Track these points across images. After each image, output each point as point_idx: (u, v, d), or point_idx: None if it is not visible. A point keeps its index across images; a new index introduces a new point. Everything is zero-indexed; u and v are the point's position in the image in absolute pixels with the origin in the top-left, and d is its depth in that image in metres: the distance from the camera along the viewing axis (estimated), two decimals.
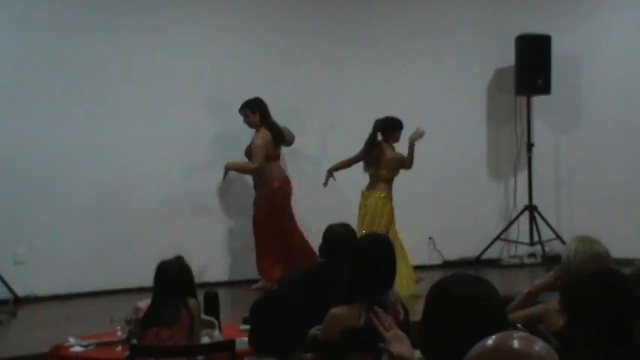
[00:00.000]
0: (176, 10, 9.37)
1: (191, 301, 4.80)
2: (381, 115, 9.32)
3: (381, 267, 4.25)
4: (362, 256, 4.26)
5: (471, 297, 2.56)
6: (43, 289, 8.65)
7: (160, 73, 9.14)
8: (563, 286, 3.51)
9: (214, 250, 9.27)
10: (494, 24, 10.39)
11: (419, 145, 8.54)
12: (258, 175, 8.67)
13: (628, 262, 3.94)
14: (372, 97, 9.92)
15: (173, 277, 4.85)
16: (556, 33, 10.08)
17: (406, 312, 4.37)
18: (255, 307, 3.60)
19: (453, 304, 2.56)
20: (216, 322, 5.16)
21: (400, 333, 2.91)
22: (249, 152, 8.68)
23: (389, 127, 8.54)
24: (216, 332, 5.10)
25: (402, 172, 8.84)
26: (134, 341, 4.82)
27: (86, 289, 8.76)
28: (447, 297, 2.60)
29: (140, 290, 7.66)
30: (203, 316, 5.13)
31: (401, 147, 8.56)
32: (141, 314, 4.95)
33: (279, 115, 8.93)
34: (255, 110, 8.65)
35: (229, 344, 4.48)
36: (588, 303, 2.92)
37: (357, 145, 8.59)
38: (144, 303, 5.02)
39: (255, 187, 8.76)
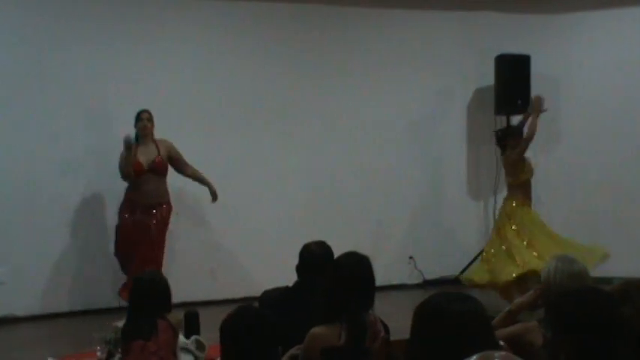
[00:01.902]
0: (153, 23, 9.35)
1: (173, 317, 4.78)
2: (362, 132, 9.42)
3: (360, 286, 4.24)
4: (341, 275, 4.24)
5: (461, 314, 2.55)
6: (21, 309, 8.58)
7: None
8: (548, 302, 3.52)
9: (194, 269, 9.23)
10: (474, 44, 10.46)
11: (394, 163, 8.57)
12: (164, 190, 8.32)
13: (606, 281, 3.96)
14: (351, 115, 9.95)
15: (149, 291, 4.82)
16: (535, 53, 10.15)
17: (387, 330, 4.37)
18: (226, 324, 3.50)
19: (443, 321, 2.55)
20: (207, 345, 5.14)
21: None
22: (173, 162, 8.36)
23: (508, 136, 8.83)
24: (203, 355, 5.09)
25: (380, 192, 8.90)
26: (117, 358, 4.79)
27: (65, 309, 8.70)
28: (436, 315, 2.58)
29: (120, 310, 7.64)
30: (196, 337, 5.12)
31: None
32: (120, 334, 4.92)
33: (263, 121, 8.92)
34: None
35: None
36: (573, 320, 2.93)
37: (332, 162, 8.60)
38: (123, 323, 5.00)
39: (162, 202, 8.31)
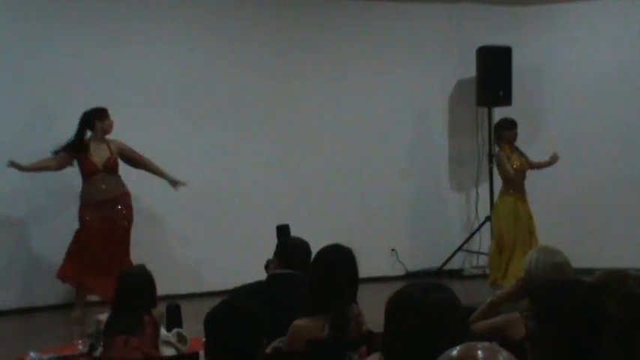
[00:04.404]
0: (143, 23, 9.31)
1: (155, 311, 4.78)
2: (342, 124, 9.42)
3: (344, 278, 4.24)
4: (324, 268, 4.24)
5: (435, 304, 2.55)
6: (3, 303, 8.54)
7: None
8: (532, 294, 3.52)
9: (176, 262, 9.20)
10: (455, 36, 10.46)
11: (376, 155, 8.62)
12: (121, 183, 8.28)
13: (588, 272, 3.96)
14: (332, 107, 9.95)
15: (135, 285, 4.82)
16: (516, 45, 10.16)
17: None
18: (210, 317, 3.48)
19: (417, 312, 2.54)
20: (188, 338, 5.13)
21: None
22: (129, 160, 8.33)
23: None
24: (185, 347, 5.08)
25: (362, 184, 8.92)
26: (97, 354, 4.78)
27: (46, 302, 8.66)
28: (410, 305, 2.57)
29: (102, 303, 7.62)
30: (178, 330, 5.11)
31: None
32: (102, 327, 4.91)
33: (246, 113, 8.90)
34: None
35: (193, 357, 4.45)
36: (557, 311, 2.93)
37: (314, 155, 8.60)
38: (105, 316, 4.98)
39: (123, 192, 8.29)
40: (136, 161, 8.37)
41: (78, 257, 8.01)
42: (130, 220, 8.25)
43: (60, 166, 8.08)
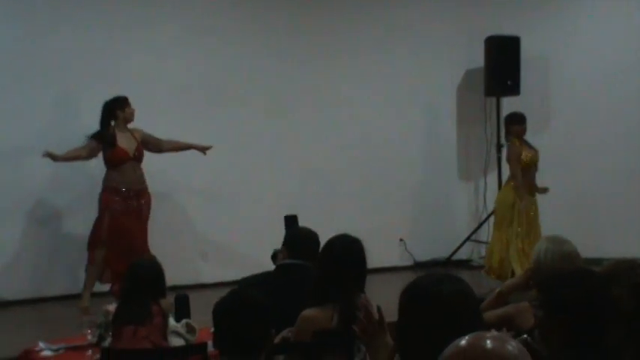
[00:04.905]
0: (150, 8, 9.30)
1: (163, 301, 4.78)
2: (350, 115, 9.43)
3: (352, 269, 4.24)
4: (333, 258, 4.24)
5: (450, 296, 2.54)
6: (11, 292, 8.56)
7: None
8: (540, 283, 3.52)
9: (184, 252, 9.21)
10: (464, 25, 10.43)
11: (384, 145, 8.63)
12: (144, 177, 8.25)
13: (596, 262, 3.96)
14: (339, 97, 9.94)
15: (145, 275, 4.82)
16: (525, 34, 10.13)
17: (380, 314, 4.37)
18: (219, 307, 3.49)
19: (432, 304, 2.53)
20: (197, 329, 5.13)
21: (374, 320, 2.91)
22: (150, 145, 8.28)
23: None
24: (194, 338, 5.08)
25: (370, 174, 8.93)
26: (105, 344, 4.79)
27: (55, 292, 8.68)
28: (425, 297, 2.56)
29: (109, 294, 7.64)
30: (186, 320, 5.11)
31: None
32: (110, 317, 4.92)
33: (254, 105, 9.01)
34: None
35: (201, 347, 4.45)
36: (565, 301, 2.93)
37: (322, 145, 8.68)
38: (113, 307, 4.99)
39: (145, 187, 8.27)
40: (160, 143, 8.32)
41: (102, 246, 7.96)
42: (147, 218, 8.20)
43: (89, 155, 8.03)
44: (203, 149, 8.43)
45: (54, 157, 7.82)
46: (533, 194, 8.85)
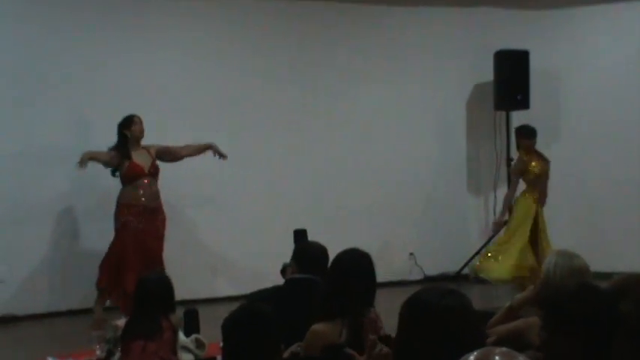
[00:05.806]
0: (149, 30, 9.35)
1: (173, 316, 4.77)
2: (360, 129, 9.44)
3: (362, 283, 4.23)
4: (342, 273, 4.23)
5: (449, 309, 2.53)
6: (21, 308, 8.57)
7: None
8: (544, 301, 3.50)
9: (194, 266, 9.21)
10: (473, 40, 10.44)
11: (394, 159, 8.64)
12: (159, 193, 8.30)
13: (607, 276, 3.94)
14: (350, 112, 9.96)
15: (155, 290, 4.81)
16: (534, 48, 10.14)
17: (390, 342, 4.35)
18: (228, 322, 3.49)
19: (432, 317, 2.53)
20: (206, 343, 5.13)
21: (385, 350, 2.88)
22: (166, 156, 8.33)
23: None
24: (203, 353, 5.08)
25: (380, 189, 8.90)
26: (114, 359, 4.79)
27: (64, 307, 8.68)
28: (426, 310, 2.56)
29: (118, 309, 7.64)
30: (195, 335, 5.11)
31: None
32: (119, 333, 4.92)
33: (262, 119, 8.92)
34: None
35: None
36: (569, 319, 2.91)
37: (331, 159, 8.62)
38: (122, 322, 4.99)
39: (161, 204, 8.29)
40: (176, 151, 8.34)
41: (115, 266, 7.95)
42: (163, 235, 8.23)
43: (107, 163, 8.05)
44: (220, 154, 8.43)
45: (83, 163, 7.84)
46: (543, 205, 8.83)
